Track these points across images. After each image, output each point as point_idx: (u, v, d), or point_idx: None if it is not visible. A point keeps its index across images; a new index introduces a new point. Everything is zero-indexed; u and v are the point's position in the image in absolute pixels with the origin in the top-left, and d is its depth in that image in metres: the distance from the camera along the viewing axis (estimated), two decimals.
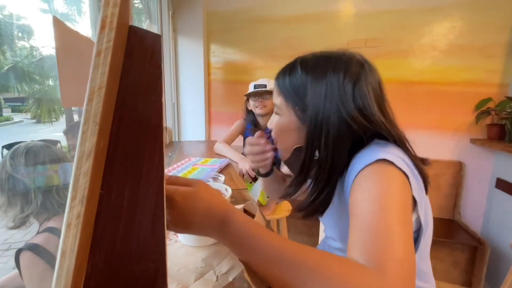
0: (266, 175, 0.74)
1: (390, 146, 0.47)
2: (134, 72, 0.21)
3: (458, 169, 1.88)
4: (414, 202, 0.43)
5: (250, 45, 2.17)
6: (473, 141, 1.83)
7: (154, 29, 1.80)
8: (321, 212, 0.53)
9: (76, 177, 0.17)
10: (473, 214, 1.91)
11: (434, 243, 0.51)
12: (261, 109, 1.50)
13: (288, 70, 0.56)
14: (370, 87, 0.50)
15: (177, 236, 0.54)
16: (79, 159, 0.17)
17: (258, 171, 0.74)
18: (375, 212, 0.36)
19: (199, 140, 2.13)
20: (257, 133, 0.66)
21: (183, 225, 0.35)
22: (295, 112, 0.54)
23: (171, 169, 0.95)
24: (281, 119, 0.57)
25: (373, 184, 0.40)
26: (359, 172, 0.43)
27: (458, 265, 1.69)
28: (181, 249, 0.47)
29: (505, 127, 1.70)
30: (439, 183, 1.89)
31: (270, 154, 0.65)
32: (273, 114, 0.61)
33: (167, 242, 0.52)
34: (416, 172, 0.45)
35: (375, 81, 0.52)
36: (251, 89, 1.51)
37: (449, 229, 1.78)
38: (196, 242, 0.49)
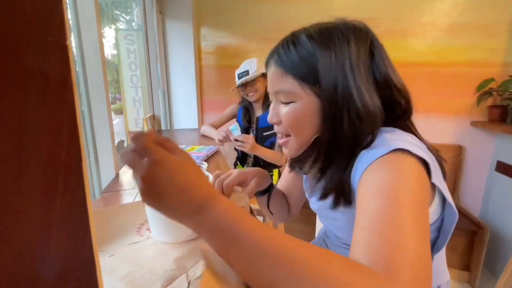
0: (265, 192, 0.63)
1: (400, 133, 0.42)
2: None
3: (458, 153, 1.83)
4: (433, 188, 0.39)
5: (243, 27, 2.06)
6: (474, 123, 1.78)
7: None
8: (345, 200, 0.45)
9: None
10: (472, 198, 1.88)
11: None
12: (253, 96, 1.48)
13: (290, 45, 0.46)
14: (383, 51, 0.47)
15: (150, 232, 0.48)
16: None
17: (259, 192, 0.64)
18: (385, 207, 0.31)
19: (191, 128, 2.06)
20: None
21: (155, 197, 0.28)
22: (315, 92, 0.44)
23: None
24: (296, 106, 0.46)
25: (385, 176, 0.35)
26: (370, 164, 0.37)
27: (456, 250, 1.67)
28: (152, 248, 0.42)
29: (507, 108, 1.65)
30: None
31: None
32: (275, 106, 0.50)
33: (138, 238, 0.46)
34: (433, 157, 0.40)
35: (382, 46, 0.48)
36: (236, 79, 1.48)
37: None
38: (171, 237, 0.43)
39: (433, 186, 0.39)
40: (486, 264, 1.65)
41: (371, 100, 0.42)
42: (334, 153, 0.44)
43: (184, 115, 2.11)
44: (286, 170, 0.71)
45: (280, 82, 0.47)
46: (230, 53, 2.13)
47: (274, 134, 1.45)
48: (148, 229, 0.48)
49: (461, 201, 1.88)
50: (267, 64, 0.51)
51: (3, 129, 0.14)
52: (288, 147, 0.50)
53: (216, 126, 1.63)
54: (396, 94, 0.45)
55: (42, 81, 0.15)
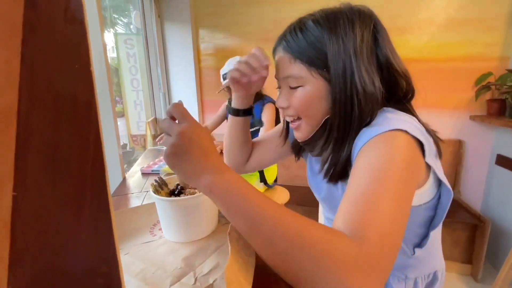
0: (246, 112, 0.61)
1: (401, 113, 0.45)
2: (44, 30, 0.15)
3: (457, 148, 1.85)
4: (428, 168, 0.42)
5: (241, 28, 2.08)
6: (473, 118, 1.79)
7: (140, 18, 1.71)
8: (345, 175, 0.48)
9: None
10: (472, 192, 1.89)
11: None
12: None
13: (298, 31, 0.47)
14: (386, 34, 0.48)
15: (162, 231, 0.50)
16: None
17: (235, 109, 0.60)
18: (370, 183, 0.34)
19: None
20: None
21: (183, 153, 0.33)
22: (323, 76, 0.46)
23: (157, 162, 0.91)
24: (305, 90, 0.47)
25: (378, 154, 0.37)
26: (368, 141, 0.40)
27: (458, 244, 1.68)
28: (163, 246, 0.44)
29: (505, 102, 1.65)
30: None
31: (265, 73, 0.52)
32: (284, 91, 0.51)
33: (151, 238, 0.49)
34: (430, 139, 0.42)
35: (385, 30, 0.49)
36: (221, 79, 1.45)
37: (449, 209, 1.77)
38: (181, 237, 0.46)
39: (429, 166, 0.41)
40: (488, 257, 1.67)
41: (371, 81, 0.44)
42: (342, 134, 0.46)
43: None
44: (272, 131, 0.70)
45: (288, 68, 0.48)
46: (229, 54, 2.13)
47: (257, 131, 1.46)
48: (160, 229, 0.50)
49: (462, 195, 1.89)
50: (274, 50, 0.52)
51: (40, 144, 0.16)
52: (300, 130, 0.52)
53: (212, 128, 1.63)
54: (397, 76, 0.47)
55: (71, 103, 0.17)
